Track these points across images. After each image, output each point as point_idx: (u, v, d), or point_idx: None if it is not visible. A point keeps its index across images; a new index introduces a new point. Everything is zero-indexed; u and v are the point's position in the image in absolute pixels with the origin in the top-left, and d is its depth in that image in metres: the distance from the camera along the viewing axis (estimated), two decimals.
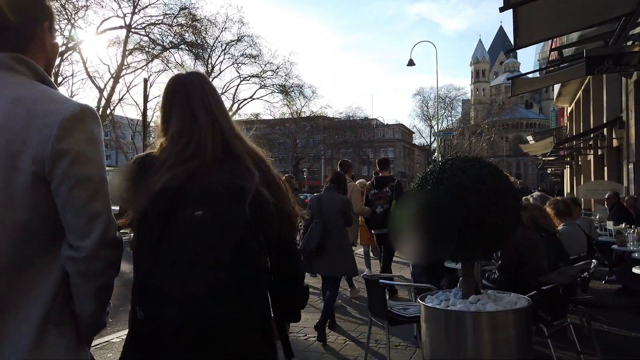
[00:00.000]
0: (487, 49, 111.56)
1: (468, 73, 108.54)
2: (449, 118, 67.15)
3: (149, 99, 26.32)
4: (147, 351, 1.25)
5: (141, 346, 1.27)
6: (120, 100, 29.16)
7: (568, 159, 22.37)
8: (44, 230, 1.19)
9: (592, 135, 13.87)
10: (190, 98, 1.46)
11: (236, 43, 32.51)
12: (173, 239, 1.25)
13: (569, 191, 22.50)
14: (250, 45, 32.91)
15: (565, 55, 8.41)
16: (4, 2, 1.22)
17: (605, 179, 12.74)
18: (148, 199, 1.29)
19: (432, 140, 67.09)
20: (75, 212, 1.17)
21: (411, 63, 27.38)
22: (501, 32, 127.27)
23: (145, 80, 26.77)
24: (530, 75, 10.45)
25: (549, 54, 9.88)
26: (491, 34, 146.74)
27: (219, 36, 31.31)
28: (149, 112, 26.88)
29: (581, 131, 17.39)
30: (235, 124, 1.51)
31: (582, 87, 16.82)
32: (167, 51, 27.04)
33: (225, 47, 32.48)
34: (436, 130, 46.02)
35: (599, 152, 14.69)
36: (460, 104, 75.28)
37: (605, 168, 13.22)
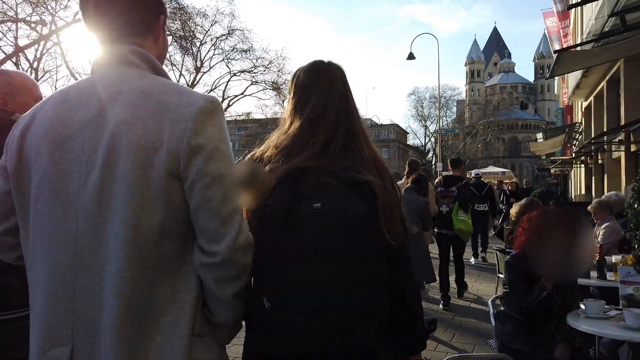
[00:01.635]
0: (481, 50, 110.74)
1: (461, 75, 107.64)
2: (444, 118, 66.14)
3: None
4: (274, 339, 1.22)
5: (268, 334, 1.23)
6: None
7: (583, 158, 20.82)
8: (178, 234, 1.14)
9: (622, 130, 12.27)
10: (331, 90, 1.44)
11: (227, 38, 30.96)
12: (294, 232, 1.22)
13: (582, 193, 20.95)
14: (242, 40, 31.37)
15: (630, 23, 6.77)
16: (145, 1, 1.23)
17: None
18: (268, 191, 1.26)
19: (426, 141, 66.08)
20: (209, 214, 1.11)
21: (411, 57, 26.09)
22: (495, 33, 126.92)
23: None
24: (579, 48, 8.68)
25: (607, 19, 8.15)
26: (484, 36, 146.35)
27: (208, 30, 29.93)
28: None
29: (605, 127, 15.79)
30: (364, 126, 1.47)
31: (607, 77, 15.22)
32: None
33: (216, 41, 30.95)
34: (431, 131, 44.88)
35: (631, 149, 13.08)
36: (455, 105, 74.65)
37: None
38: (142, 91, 1.14)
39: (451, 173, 7.29)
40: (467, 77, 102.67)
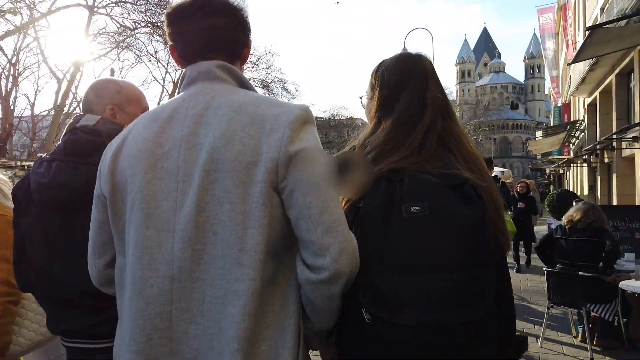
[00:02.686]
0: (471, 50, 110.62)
1: (452, 75, 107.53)
2: None
3: None
4: (374, 354, 1.11)
5: (368, 348, 1.12)
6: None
7: (586, 157, 19.99)
8: (280, 250, 1.10)
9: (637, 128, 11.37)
10: (424, 87, 1.32)
11: None
12: (393, 237, 1.10)
13: (586, 193, 20.13)
14: None
15: None
16: (239, 17, 1.23)
17: None
18: (359, 193, 1.17)
19: None
20: (310, 223, 1.05)
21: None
22: (485, 33, 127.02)
23: (112, 71, 23.92)
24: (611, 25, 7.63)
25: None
26: (474, 36, 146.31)
27: None
28: None
29: (614, 123, 14.92)
30: (461, 127, 1.36)
31: (617, 70, 14.36)
32: (135, 38, 24.23)
33: None
34: None
35: None
36: None
37: None
38: (236, 106, 1.12)
39: None
40: (457, 77, 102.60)
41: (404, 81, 1.32)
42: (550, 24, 35.08)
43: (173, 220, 1.07)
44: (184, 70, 1.22)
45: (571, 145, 26.96)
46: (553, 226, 7.84)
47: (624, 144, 13.94)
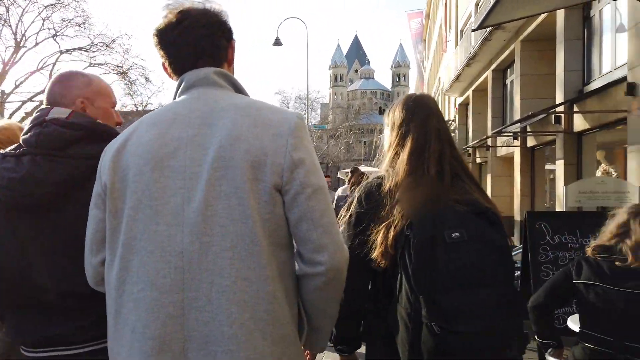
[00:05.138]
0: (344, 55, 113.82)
1: (325, 79, 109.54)
2: (309, 120, 65.63)
3: None
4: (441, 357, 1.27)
5: (438, 355, 1.27)
6: None
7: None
8: (287, 243, 1.19)
9: (520, 123, 10.58)
10: (429, 120, 1.51)
11: (57, 8, 24.86)
12: (443, 260, 1.27)
13: None
14: (79, 15, 25.45)
15: None
16: (217, 24, 1.30)
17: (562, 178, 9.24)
18: (405, 221, 1.34)
19: None
20: (311, 224, 1.15)
21: (277, 42, 23.30)
22: (356, 41, 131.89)
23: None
24: None
25: None
26: (347, 42, 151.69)
27: None
28: None
29: (489, 121, 14.37)
30: (458, 151, 1.56)
31: (493, 66, 13.80)
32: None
33: (43, 10, 24.67)
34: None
35: (529, 143, 11.52)
36: (320, 107, 75.52)
37: (561, 161, 9.86)
38: (239, 109, 1.18)
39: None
40: (331, 81, 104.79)
41: (410, 117, 1.51)
42: (420, 28, 35.88)
43: (181, 215, 1.11)
44: (180, 78, 1.28)
45: None
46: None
47: (502, 143, 13.34)
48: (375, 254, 1.36)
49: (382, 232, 1.36)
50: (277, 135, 1.15)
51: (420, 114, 1.51)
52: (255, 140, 1.13)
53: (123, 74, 28.72)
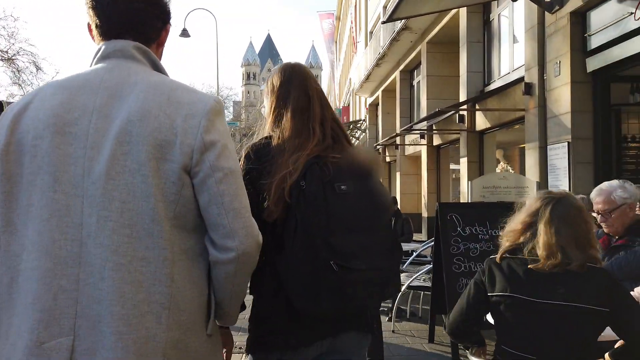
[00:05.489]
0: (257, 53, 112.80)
1: (237, 77, 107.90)
2: None
3: None
4: (341, 295, 1.39)
5: (338, 291, 1.39)
6: None
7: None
8: (195, 227, 1.15)
9: (427, 120, 10.89)
10: (307, 83, 1.60)
11: None
12: (334, 208, 1.40)
13: None
14: None
15: None
16: (156, 3, 1.28)
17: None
18: (299, 174, 1.41)
19: None
20: (221, 208, 1.12)
21: (185, 34, 22.23)
22: (269, 40, 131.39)
23: None
24: None
25: None
26: (260, 40, 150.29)
27: None
28: None
29: (397, 121, 14.73)
30: (331, 108, 1.65)
31: (401, 67, 14.15)
32: None
33: None
34: None
35: (435, 142, 11.90)
36: (232, 105, 74.17)
37: (465, 159, 10.24)
38: (152, 85, 1.15)
39: None
40: (243, 79, 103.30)
41: (289, 81, 1.60)
42: (332, 29, 36.30)
43: (82, 185, 1.07)
44: (99, 45, 1.25)
45: None
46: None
47: (410, 141, 13.70)
48: (271, 203, 1.40)
49: (275, 184, 1.40)
50: (190, 116, 1.12)
51: (299, 77, 1.60)
52: (166, 119, 1.10)
53: (9, 61, 25.95)
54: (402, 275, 5.27)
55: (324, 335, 1.44)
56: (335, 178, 1.42)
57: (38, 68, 28.19)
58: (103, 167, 1.06)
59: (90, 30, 1.26)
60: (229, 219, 1.11)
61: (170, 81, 1.20)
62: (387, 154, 17.09)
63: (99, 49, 1.22)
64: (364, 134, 21.66)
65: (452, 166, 11.69)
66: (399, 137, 13.68)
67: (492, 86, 8.70)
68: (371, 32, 19.28)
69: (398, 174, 14.91)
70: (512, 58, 8.27)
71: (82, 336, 1.02)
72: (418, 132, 11.66)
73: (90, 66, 1.22)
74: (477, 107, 8.87)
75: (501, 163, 9.84)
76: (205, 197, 1.11)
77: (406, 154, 14.42)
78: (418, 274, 5.28)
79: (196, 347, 1.12)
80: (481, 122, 8.85)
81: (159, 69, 1.25)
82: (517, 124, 7.96)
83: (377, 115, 19.36)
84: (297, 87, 1.56)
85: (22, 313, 1.05)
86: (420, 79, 12.76)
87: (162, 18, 1.29)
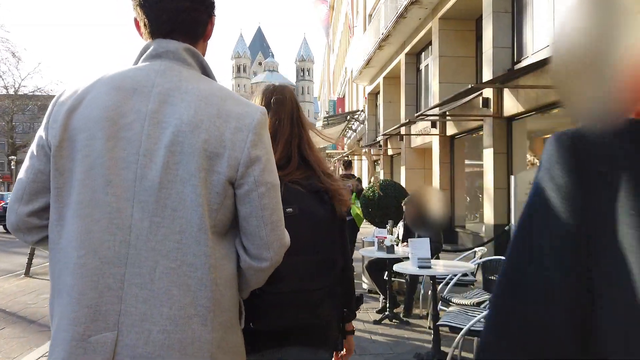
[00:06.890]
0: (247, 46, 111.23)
1: (227, 69, 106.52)
2: None
3: None
4: (269, 317, 1.50)
5: (265, 313, 1.49)
6: None
7: (365, 150, 18.79)
8: (223, 232, 1.20)
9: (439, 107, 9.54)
10: (283, 108, 1.68)
11: None
12: None
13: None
14: None
15: None
16: (201, 0, 1.27)
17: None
18: None
19: None
20: (261, 221, 1.18)
21: None
22: (259, 33, 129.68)
23: None
24: None
25: None
26: (250, 33, 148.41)
27: None
28: None
29: (402, 110, 13.38)
30: (309, 135, 1.72)
31: (407, 49, 12.79)
32: None
33: None
34: None
35: (449, 132, 10.56)
36: None
37: (490, 150, 8.93)
38: (203, 95, 1.18)
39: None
40: (233, 72, 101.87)
41: (267, 106, 1.67)
42: (326, 16, 34.95)
43: (132, 190, 1.12)
44: (148, 42, 1.27)
45: (345, 138, 26.39)
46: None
47: (418, 132, 12.37)
48: None
49: None
50: (238, 129, 1.15)
51: (277, 102, 1.67)
52: (215, 131, 1.13)
53: None
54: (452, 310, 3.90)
55: (270, 346, 1.53)
56: (285, 201, 1.39)
57: (14, 56, 26.52)
58: (157, 175, 1.10)
59: (137, 26, 1.27)
60: (267, 232, 1.18)
61: (219, 90, 1.21)
62: (389, 146, 15.75)
63: (148, 47, 1.23)
64: (362, 125, 20.30)
65: (468, 161, 10.38)
66: (405, 126, 12.31)
67: (524, 63, 7.37)
68: (370, 15, 17.89)
69: (403, 168, 13.56)
70: (550, 29, 6.94)
71: (126, 332, 1.07)
72: (433, 117, 10.28)
73: (138, 62, 1.23)
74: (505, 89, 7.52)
75: (527, 155, 8.55)
76: (247, 209, 1.16)
77: (412, 146, 13.08)
78: (480, 316, 3.40)
79: (234, 342, 1.20)
80: (511, 106, 7.52)
81: (207, 72, 1.26)
82: (557, 108, 6.64)
83: (377, 105, 18.01)
84: (274, 112, 1.65)
85: (68, 305, 1.09)
86: (431, 61, 11.41)
87: (208, 12, 1.29)
